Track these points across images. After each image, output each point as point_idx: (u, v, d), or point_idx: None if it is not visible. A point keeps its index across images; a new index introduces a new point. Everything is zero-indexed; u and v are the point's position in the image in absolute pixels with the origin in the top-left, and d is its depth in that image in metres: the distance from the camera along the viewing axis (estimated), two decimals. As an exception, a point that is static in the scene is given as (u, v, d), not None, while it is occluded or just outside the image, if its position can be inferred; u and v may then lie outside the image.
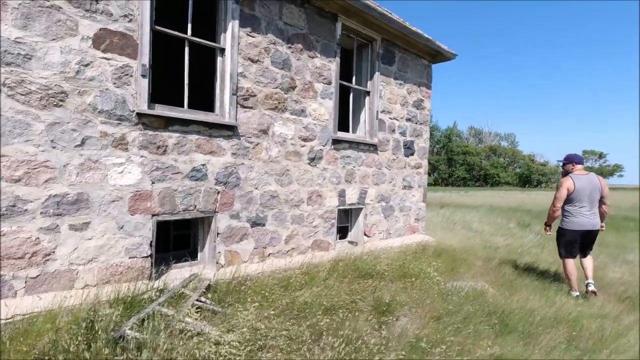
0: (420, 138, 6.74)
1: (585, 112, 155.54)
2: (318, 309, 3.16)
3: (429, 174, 59.74)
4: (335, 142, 5.19)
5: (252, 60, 4.16)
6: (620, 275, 5.16)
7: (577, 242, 4.33)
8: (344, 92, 5.75)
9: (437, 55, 6.80)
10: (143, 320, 2.74)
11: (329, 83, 5.05)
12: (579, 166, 4.40)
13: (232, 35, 3.94)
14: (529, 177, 57.34)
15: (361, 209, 5.76)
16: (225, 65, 3.98)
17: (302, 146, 4.77)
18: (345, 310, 3.25)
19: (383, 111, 5.94)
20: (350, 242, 5.79)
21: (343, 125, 5.81)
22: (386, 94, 5.97)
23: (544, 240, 7.40)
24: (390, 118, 6.09)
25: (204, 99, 4.58)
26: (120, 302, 2.94)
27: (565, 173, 4.47)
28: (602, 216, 4.43)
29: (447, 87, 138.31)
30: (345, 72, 5.78)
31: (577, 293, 4.24)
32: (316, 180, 4.97)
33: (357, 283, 3.79)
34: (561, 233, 4.46)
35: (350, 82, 5.66)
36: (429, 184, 55.72)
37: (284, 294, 3.31)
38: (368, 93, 5.80)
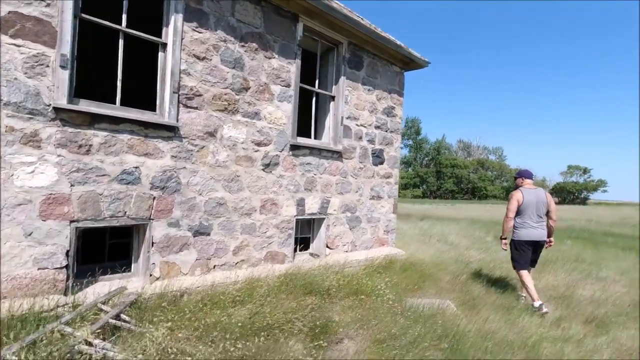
0: (390, 147, 6.50)
1: (571, 128, 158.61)
2: (248, 329, 2.84)
3: (417, 186, 60.19)
4: (294, 147, 4.92)
5: (198, 58, 3.88)
6: (590, 294, 4.92)
7: (527, 252, 4.51)
8: (307, 97, 5.51)
9: (410, 63, 6.62)
10: (35, 342, 2.38)
11: (288, 86, 4.79)
12: (529, 181, 4.66)
13: (174, 30, 3.67)
14: (516, 191, 57.74)
15: (323, 219, 5.47)
16: (167, 61, 3.69)
17: (256, 151, 4.47)
18: (280, 331, 2.93)
19: (349, 117, 5.69)
20: (312, 255, 5.48)
21: (305, 130, 5.55)
22: (353, 100, 5.74)
23: (518, 255, 7.18)
24: (357, 125, 5.85)
25: (148, 98, 4.27)
26: (17, 320, 2.58)
27: (516, 187, 4.73)
28: (550, 231, 4.58)
29: (438, 98, 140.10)
30: (310, 76, 5.54)
31: (539, 303, 4.21)
32: (271, 188, 4.67)
33: (301, 300, 3.47)
34: (513, 245, 4.62)
35: (314, 86, 5.41)
36: (417, 196, 56.07)
37: (211, 312, 2.97)
38: (333, 98, 5.56)
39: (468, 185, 58.12)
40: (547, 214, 4.50)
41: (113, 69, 3.79)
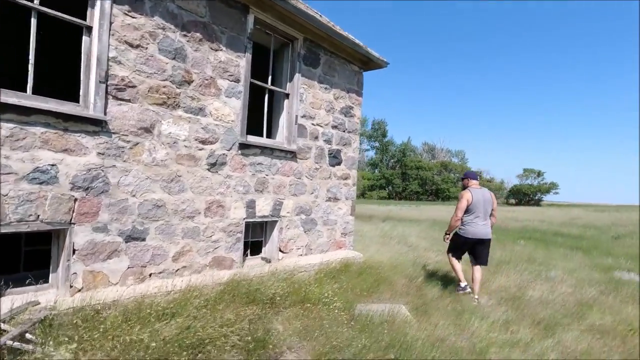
0: (348, 147, 6.36)
1: (527, 133, 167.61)
2: (176, 346, 2.53)
3: (383, 187, 61.14)
4: (244, 146, 4.63)
5: (131, 45, 3.52)
6: (540, 294, 4.98)
7: (466, 248, 4.86)
8: (259, 94, 5.24)
9: (369, 62, 6.51)
10: None
11: (237, 81, 4.50)
12: (474, 181, 4.94)
13: (101, 12, 3.29)
14: (477, 192, 60.08)
15: (276, 222, 5.21)
16: (92, 47, 3.31)
17: (200, 149, 4.15)
18: (213, 347, 2.65)
19: (304, 116, 5.48)
20: (264, 259, 5.21)
21: (257, 129, 5.27)
22: (308, 98, 5.53)
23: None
24: (313, 124, 5.65)
25: (75, 89, 3.84)
26: None
27: (464, 187, 4.99)
28: (491, 226, 4.92)
29: (405, 101, 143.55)
30: (263, 72, 5.28)
31: (465, 284, 4.76)
32: (217, 189, 4.36)
33: (241, 311, 3.20)
34: (457, 236, 4.93)
35: (267, 82, 5.15)
36: (383, 197, 56.95)
37: (134, 328, 2.64)
38: (287, 96, 5.33)
39: (432, 186, 59.77)
40: (492, 212, 4.84)
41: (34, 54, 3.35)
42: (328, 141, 5.94)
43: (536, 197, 58.63)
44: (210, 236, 4.31)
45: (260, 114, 5.30)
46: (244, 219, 4.70)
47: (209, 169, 4.25)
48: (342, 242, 6.36)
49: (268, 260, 5.16)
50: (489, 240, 4.77)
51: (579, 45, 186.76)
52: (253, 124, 5.26)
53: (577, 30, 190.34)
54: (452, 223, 4.84)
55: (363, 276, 5.30)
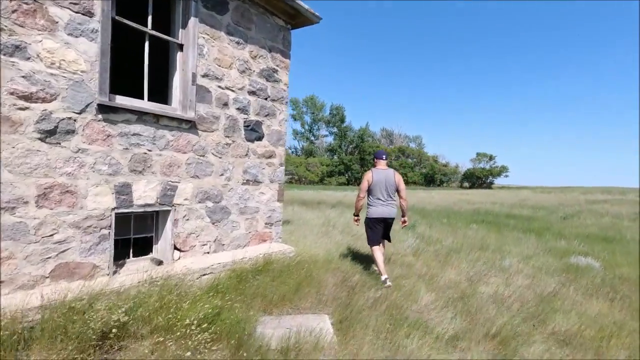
0: (272, 119, 5.20)
1: (479, 120, 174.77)
2: None
3: (342, 173, 60.84)
4: (108, 110, 3.34)
5: None
6: (493, 290, 4.18)
7: (378, 228, 4.70)
8: (138, 41, 3.92)
9: (297, 16, 5.33)
10: None
11: (88, 14, 3.17)
12: (381, 161, 4.76)
13: None
14: (433, 177, 61.37)
15: (168, 212, 3.99)
16: None
17: (22, 108, 2.82)
18: None
19: (207, 76, 4.23)
20: (154, 261, 3.98)
21: (136, 89, 3.97)
22: (212, 53, 4.28)
23: (423, 245, 6.45)
24: (221, 87, 4.42)
25: None
26: None
27: (374, 166, 4.82)
28: (403, 210, 4.88)
29: (362, 87, 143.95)
30: (144, 10, 3.94)
31: (385, 276, 4.38)
32: (61, 168, 3.05)
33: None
34: (366, 223, 4.82)
35: (147, 25, 3.83)
36: (342, 183, 56.61)
37: None
38: (181, 47, 4.05)
39: (390, 172, 60.33)
40: (398, 193, 4.70)
41: None
42: (243, 110, 4.74)
43: (488, 181, 60.97)
44: (51, 235, 3.02)
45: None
46: (114, 209, 3.43)
47: (41, 139, 2.93)
48: (266, 234, 5.25)
49: (159, 262, 3.94)
50: (392, 219, 4.73)
51: (525, 29, 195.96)
52: (129, 82, 3.95)
53: (525, 11, 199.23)
54: (356, 204, 4.90)
55: (284, 276, 4.25)
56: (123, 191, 3.50)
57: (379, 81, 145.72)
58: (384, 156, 4.82)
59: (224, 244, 4.62)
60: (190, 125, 4.09)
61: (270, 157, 5.21)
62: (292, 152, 65.56)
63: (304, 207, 12.19)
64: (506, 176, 61.34)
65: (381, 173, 4.63)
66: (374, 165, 4.85)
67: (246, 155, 4.84)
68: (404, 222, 4.89)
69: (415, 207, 14.31)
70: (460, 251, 5.98)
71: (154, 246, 4.12)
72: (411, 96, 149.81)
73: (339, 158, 62.16)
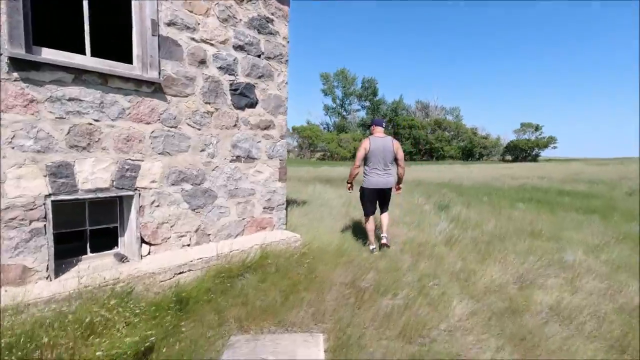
0: (269, 81, 4.24)
1: (524, 86, 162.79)
2: None
3: (375, 149, 58.06)
4: (26, 66, 2.54)
5: None
6: (554, 300, 3.07)
7: (373, 199, 4.56)
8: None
9: (297, -51, 4.23)
10: None
11: None
12: (379, 128, 4.54)
13: None
14: (472, 150, 57.94)
15: (131, 197, 3.22)
16: None
17: None
18: None
19: (174, 24, 3.33)
20: (117, 256, 3.26)
21: (76, 41, 3.15)
22: (181, -7, 3.35)
23: (458, 230, 5.36)
24: (195, 39, 3.50)
25: None
26: None
27: (371, 134, 4.55)
28: (399, 178, 4.71)
29: (395, 57, 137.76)
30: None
31: (374, 246, 4.49)
32: (-38, 145, 2.31)
33: None
34: (361, 192, 4.66)
35: (90, -43, 2.94)
36: (375, 159, 54.08)
37: None
38: (137, -15, 3.15)
39: (426, 146, 57.59)
40: (396, 161, 4.54)
41: None
42: (228, 70, 3.81)
43: (533, 153, 56.78)
44: (-44, 233, 2.32)
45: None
46: (49, 195, 2.69)
47: None
48: (265, 220, 4.40)
49: (122, 258, 3.21)
50: (390, 189, 4.60)
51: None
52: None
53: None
54: (351, 171, 4.60)
55: (278, 275, 3.41)
56: (60, 173, 2.74)
57: (414, 52, 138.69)
58: (383, 123, 4.64)
59: (209, 234, 3.83)
60: (154, 89, 3.24)
61: (267, 127, 4.29)
62: (324, 128, 64.23)
63: (328, 185, 11.27)
64: (554, 147, 56.68)
65: (379, 141, 4.42)
66: (371, 133, 4.59)
67: (235, 126, 3.95)
68: (399, 188, 4.81)
69: (451, 184, 12.96)
70: (505, 239, 4.85)
71: (119, 239, 3.40)
72: (449, 67, 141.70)
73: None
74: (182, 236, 3.59)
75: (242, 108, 4.00)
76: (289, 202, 7.18)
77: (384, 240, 4.48)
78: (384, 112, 61.78)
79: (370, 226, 4.53)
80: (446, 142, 56.94)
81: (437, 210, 6.86)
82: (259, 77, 4.14)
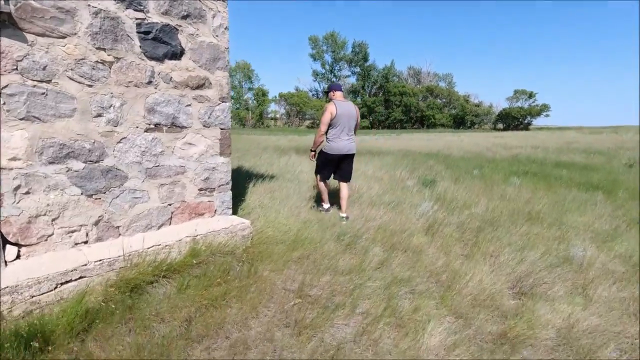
0: (200, 24, 3.20)
1: (517, 52, 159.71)
2: None
3: (364, 116, 57.30)
4: None
5: None
6: (564, 320, 2.30)
7: (333, 165, 4.45)
8: None
9: None
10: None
11: None
12: (339, 93, 4.42)
13: None
14: (463, 118, 56.77)
15: (-21, 183, 2.27)
16: None
17: None
18: None
19: None
20: (-27, 264, 2.36)
21: None
22: None
23: (443, 213, 4.55)
24: (73, -48, 2.43)
25: None
26: None
27: (329, 100, 4.43)
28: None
29: (387, 22, 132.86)
30: None
31: (328, 205, 4.58)
32: None
33: None
34: (322, 155, 4.47)
35: None
36: (364, 127, 53.43)
37: None
38: None
39: (417, 114, 56.36)
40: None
41: None
42: (132, 3, 2.76)
43: (525, 121, 56.03)
44: None
45: None
46: None
47: None
48: (201, 205, 3.51)
49: (-22, 268, 2.31)
50: (353, 155, 4.51)
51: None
52: None
53: None
54: (317, 138, 4.41)
55: (201, 283, 2.58)
56: None
57: (406, 16, 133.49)
58: (342, 88, 4.58)
59: (117, 227, 2.93)
60: (1, 22, 2.21)
61: (199, 87, 3.29)
62: (313, 95, 62.23)
63: (305, 156, 10.35)
64: (546, 116, 55.83)
65: (344, 105, 4.28)
66: (329, 100, 4.42)
67: (150, 83, 2.95)
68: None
69: (440, 154, 12.10)
70: (498, 225, 4.05)
71: (-22, 238, 2.49)
72: (443, 31, 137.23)
73: (362, 100, 58.44)
74: (72, 231, 2.68)
75: (159, 59, 2.98)
76: (254, 177, 6.27)
77: (344, 222, 4.24)
78: (375, 78, 59.86)
79: (322, 188, 4.54)
80: (438, 110, 55.78)
81: (421, 187, 6.02)
82: (184, 18, 3.10)
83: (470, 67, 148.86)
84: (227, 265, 3.05)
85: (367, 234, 3.90)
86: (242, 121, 50.50)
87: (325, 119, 4.23)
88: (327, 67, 61.95)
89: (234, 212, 4.10)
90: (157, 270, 2.78)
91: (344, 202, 4.49)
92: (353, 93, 61.16)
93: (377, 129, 52.88)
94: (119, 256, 2.70)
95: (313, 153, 4.58)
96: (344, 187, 4.51)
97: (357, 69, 60.80)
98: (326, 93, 4.61)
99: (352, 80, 62.91)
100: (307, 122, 55.29)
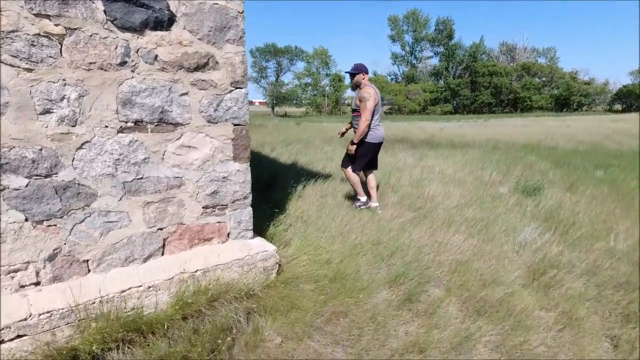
0: (196, -24, 2.26)
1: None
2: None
3: (447, 100, 52.64)
4: None
5: None
6: None
7: (372, 155, 4.25)
8: None
9: None
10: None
11: None
12: (367, 76, 4.16)
13: None
14: (568, 99, 48.89)
15: None
16: None
17: None
18: None
19: None
20: None
21: None
22: None
23: (556, 249, 3.07)
24: None
25: None
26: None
27: (356, 85, 4.16)
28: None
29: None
30: None
31: (365, 198, 4.25)
32: None
33: None
34: (364, 145, 4.09)
35: None
36: (447, 112, 49.02)
37: None
38: None
39: (509, 96, 50.21)
40: None
41: None
42: (89, -54, 1.91)
43: (650, 101, 46.28)
44: None
45: None
46: None
47: None
48: (208, 227, 2.64)
49: None
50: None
51: None
52: None
53: None
54: (364, 129, 3.94)
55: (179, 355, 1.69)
56: None
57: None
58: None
59: (84, 261, 2.18)
60: None
61: (201, 67, 2.38)
62: (392, 80, 59.32)
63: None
64: (682, 94, 45.34)
65: (376, 90, 4.08)
66: (356, 84, 4.15)
67: (123, 64, 2.11)
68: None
69: (542, 146, 9.83)
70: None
71: None
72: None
73: (445, 83, 53.95)
74: (14, 271, 1.98)
75: (135, 29, 2.12)
76: (308, 177, 5.32)
77: (379, 212, 4.09)
78: (461, 57, 54.65)
79: (357, 178, 4.23)
80: (535, 90, 48.95)
81: (520, 196, 4.47)
82: (173, -32, 2.18)
83: (578, 38, 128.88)
84: (228, 322, 2.15)
85: (438, 274, 2.69)
86: (319, 108, 50.23)
87: (371, 105, 3.91)
88: (407, 48, 58.28)
89: (264, 229, 3.21)
90: (130, 326, 1.99)
91: (375, 192, 4.31)
92: (435, 75, 56.66)
93: (461, 114, 48.42)
94: (78, 305, 1.95)
95: (355, 146, 4.09)
96: (374, 177, 4.37)
97: (441, 49, 56.01)
98: (352, 75, 4.16)
99: (435, 61, 58.39)
100: (385, 108, 53.01)
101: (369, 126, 3.97)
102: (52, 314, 1.91)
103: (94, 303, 2.02)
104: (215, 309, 2.27)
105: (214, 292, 2.36)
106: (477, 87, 50.25)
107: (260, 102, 77.97)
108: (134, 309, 2.09)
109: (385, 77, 56.70)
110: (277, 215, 3.64)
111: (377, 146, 4.24)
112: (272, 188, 4.88)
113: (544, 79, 51.13)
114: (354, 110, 4.19)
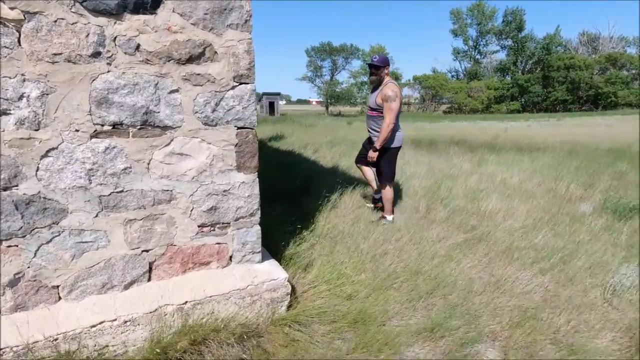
0: (187, -53, 1.84)
1: None
2: None
3: (515, 98, 48.36)
4: None
5: None
6: None
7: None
8: None
9: None
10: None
11: None
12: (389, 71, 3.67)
13: None
14: (663, 95, 42.60)
15: None
16: None
17: None
18: None
19: None
20: None
21: None
22: None
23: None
24: None
25: None
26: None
27: (379, 81, 3.57)
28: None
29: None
30: None
31: (393, 216, 3.79)
32: None
33: None
34: (391, 152, 3.68)
35: None
36: (514, 111, 45.04)
37: None
38: None
39: (589, 91, 44.95)
40: None
41: None
42: None
43: None
44: None
45: None
46: None
47: None
48: (205, 250, 2.23)
49: None
50: None
51: None
52: None
53: None
54: (386, 132, 3.47)
55: None
56: None
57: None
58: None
59: (54, 287, 1.88)
60: None
61: (195, 59, 1.97)
62: (453, 77, 56.23)
63: (424, 151, 8.28)
64: None
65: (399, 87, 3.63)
66: (379, 80, 3.56)
67: (97, 54, 1.76)
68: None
69: (634, 151, 8.29)
70: None
71: None
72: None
73: (513, 78, 49.78)
74: (-33, 300, 1.71)
75: (111, 13, 1.75)
76: (346, 183, 4.78)
77: (390, 218, 3.75)
78: (532, 51, 50.06)
79: (391, 194, 3.75)
80: (622, 85, 43.29)
81: (609, 218, 3.53)
82: (157, -63, 1.78)
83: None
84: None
85: (493, 327, 2.03)
86: (374, 107, 49.10)
87: (397, 106, 3.47)
88: (471, 42, 54.75)
89: (283, 247, 2.76)
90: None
91: (374, 184, 4.13)
92: (501, 71, 52.47)
93: (531, 112, 44.36)
94: (33, 343, 1.64)
95: (377, 153, 3.61)
96: (371, 171, 4.09)
97: (509, 42, 51.71)
98: (377, 67, 3.52)
99: (501, 55, 54.16)
100: (444, 107, 50.37)
101: (393, 130, 3.52)
102: (3, 353, 1.62)
103: (56, 340, 1.70)
104: (200, 355, 1.85)
105: (205, 331, 1.95)
106: (551, 82, 45.63)
107: (317, 102, 78.55)
108: (96, 350, 1.73)
109: (445, 74, 53.84)
110: (301, 230, 3.17)
111: (399, 150, 3.85)
112: (303, 195, 4.43)
113: (633, 71, 45.08)
114: (372, 110, 3.66)
